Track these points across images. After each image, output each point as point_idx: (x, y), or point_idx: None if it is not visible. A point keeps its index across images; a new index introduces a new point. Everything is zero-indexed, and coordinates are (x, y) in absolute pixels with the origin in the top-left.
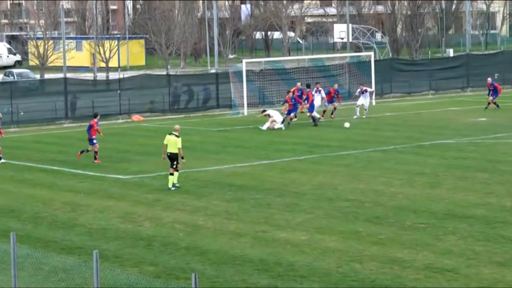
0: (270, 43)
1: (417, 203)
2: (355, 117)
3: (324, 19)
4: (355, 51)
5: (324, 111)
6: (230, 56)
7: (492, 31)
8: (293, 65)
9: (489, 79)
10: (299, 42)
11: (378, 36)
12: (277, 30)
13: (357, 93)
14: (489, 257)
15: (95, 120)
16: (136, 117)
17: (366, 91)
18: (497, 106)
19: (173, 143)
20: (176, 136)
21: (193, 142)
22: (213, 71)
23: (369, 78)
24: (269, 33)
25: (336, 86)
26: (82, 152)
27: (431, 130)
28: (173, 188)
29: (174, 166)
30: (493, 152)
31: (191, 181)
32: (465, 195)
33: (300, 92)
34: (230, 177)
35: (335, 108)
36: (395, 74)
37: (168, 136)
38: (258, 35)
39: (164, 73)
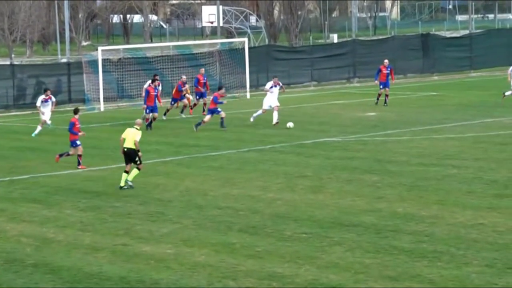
0: (130, 28)
1: (298, 210)
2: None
3: (191, 1)
4: (227, 37)
5: (185, 106)
6: (84, 43)
7: (381, 14)
8: (156, 53)
9: (386, 61)
10: (162, 26)
11: (253, 19)
12: (137, 13)
13: (267, 88)
14: (380, 271)
15: (76, 117)
16: None
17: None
18: (385, 101)
19: (131, 137)
20: (137, 129)
21: (42, 142)
22: (64, 60)
23: (243, 67)
24: (128, 16)
25: (184, 78)
26: (61, 155)
27: (314, 126)
28: (126, 187)
29: (138, 163)
30: (382, 151)
31: (40, 187)
32: (352, 200)
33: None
34: (85, 182)
35: (195, 104)
36: (272, 63)
37: (128, 129)
38: (116, 18)
39: (8, 62)
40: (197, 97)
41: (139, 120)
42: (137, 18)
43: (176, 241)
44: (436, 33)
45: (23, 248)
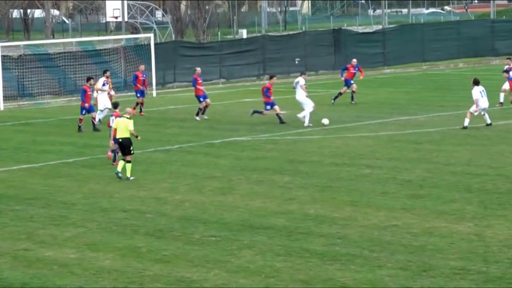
0: (31, 23)
1: (207, 213)
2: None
3: None
4: (132, 33)
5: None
6: None
7: (292, 9)
8: (58, 49)
9: (354, 60)
10: (65, 22)
11: (159, 14)
12: (38, 8)
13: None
14: (291, 275)
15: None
16: None
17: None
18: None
19: (123, 127)
20: (128, 118)
21: None
22: None
23: (149, 64)
24: (28, 11)
25: (199, 70)
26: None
27: (223, 125)
28: (131, 178)
29: (132, 153)
30: (294, 150)
31: None
32: (263, 202)
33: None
34: None
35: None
36: (179, 59)
37: (118, 119)
38: (16, 13)
39: None
40: (137, 95)
41: (128, 109)
42: (38, 13)
43: (80, 245)
44: (348, 28)
45: None
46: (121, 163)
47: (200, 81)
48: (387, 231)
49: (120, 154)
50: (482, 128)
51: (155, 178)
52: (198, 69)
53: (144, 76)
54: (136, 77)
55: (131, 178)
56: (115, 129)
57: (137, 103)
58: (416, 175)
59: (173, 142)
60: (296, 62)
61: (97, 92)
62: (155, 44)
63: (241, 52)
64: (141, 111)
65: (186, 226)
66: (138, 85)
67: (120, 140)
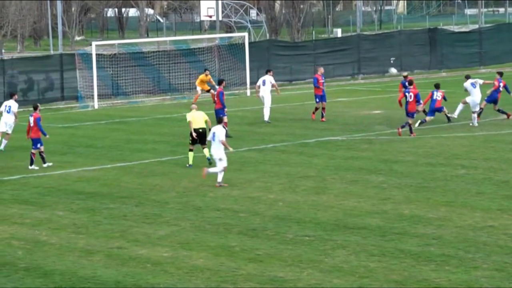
0: (125, 22)
1: (300, 212)
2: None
3: None
4: (226, 32)
5: None
6: (77, 38)
7: (387, 8)
8: (152, 48)
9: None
10: (159, 21)
11: (253, 13)
12: (133, 7)
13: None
14: (385, 275)
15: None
16: None
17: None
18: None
19: (199, 118)
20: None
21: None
22: (55, 53)
23: (243, 63)
24: (123, 10)
25: (322, 69)
26: None
27: (317, 125)
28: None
29: (205, 143)
30: (388, 150)
31: (31, 188)
32: (357, 202)
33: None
34: (78, 183)
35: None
36: (273, 58)
37: (190, 113)
38: (111, 12)
39: None
40: (317, 100)
41: (194, 105)
42: (132, 12)
43: (174, 244)
44: (444, 27)
45: (14, 251)
46: (191, 155)
47: (322, 81)
48: (483, 232)
49: None
50: None
51: (249, 177)
52: (321, 69)
53: (323, 79)
54: (317, 80)
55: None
56: (190, 121)
57: (316, 108)
58: None
59: (267, 141)
60: (391, 61)
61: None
62: (250, 43)
63: (335, 51)
64: (322, 116)
65: (279, 226)
66: (320, 87)
67: (200, 130)
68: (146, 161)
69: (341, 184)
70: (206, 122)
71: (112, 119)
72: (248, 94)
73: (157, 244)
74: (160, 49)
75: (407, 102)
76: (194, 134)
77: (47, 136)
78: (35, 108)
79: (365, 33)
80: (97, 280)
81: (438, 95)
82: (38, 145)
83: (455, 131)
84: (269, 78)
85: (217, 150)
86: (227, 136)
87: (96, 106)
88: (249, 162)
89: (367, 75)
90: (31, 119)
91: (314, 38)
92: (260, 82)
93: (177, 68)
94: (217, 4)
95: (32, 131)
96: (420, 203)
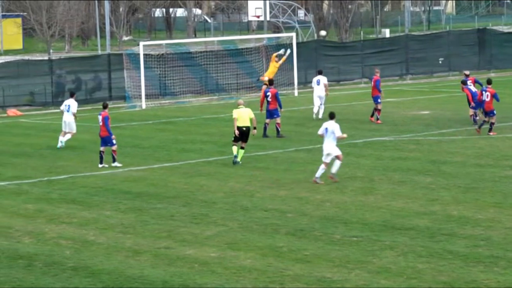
0: (173, 22)
1: (348, 213)
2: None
3: None
4: (274, 32)
5: None
6: (125, 38)
7: (435, 8)
8: (199, 48)
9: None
10: (207, 21)
11: (301, 14)
12: (180, 7)
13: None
14: (434, 276)
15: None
16: (12, 112)
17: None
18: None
19: (245, 115)
20: (245, 107)
21: (81, 141)
22: (104, 53)
23: (291, 64)
24: (171, 10)
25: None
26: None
27: (365, 125)
28: (240, 162)
29: (246, 141)
30: (437, 151)
31: (79, 188)
32: (405, 202)
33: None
34: (126, 183)
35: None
36: (321, 59)
37: (236, 110)
38: (158, 12)
39: (46, 58)
40: (378, 101)
41: (240, 101)
42: (180, 12)
43: (221, 244)
44: (493, 28)
45: (62, 250)
46: (235, 148)
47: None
48: None
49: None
50: None
51: (296, 177)
52: (378, 70)
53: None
54: (379, 82)
55: (240, 162)
56: (236, 118)
57: (376, 109)
58: None
59: (314, 141)
60: (440, 62)
61: None
62: (297, 43)
63: (384, 52)
64: (377, 119)
65: (327, 226)
66: (380, 88)
67: (244, 128)
68: (193, 161)
69: (388, 185)
70: (251, 120)
71: (159, 119)
72: (296, 94)
73: (204, 244)
74: (208, 49)
75: (483, 101)
76: (236, 132)
77: (113, 136)
78: (105, 107)
79: (413, 33)
80: (144, 280)
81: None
82: (109, 144)
83: (504, 132)
84: (322, 79)
85: (330, 144)
86: (279, 136)
87: (143, 106)
88: (296, 162)
89: (415, 76)
90: (100, 118)
91: (362, 39)
92: (314, 82)
93: (224, 68)
94: (264, 4)
95: (101, 130)
96: (469, 204)
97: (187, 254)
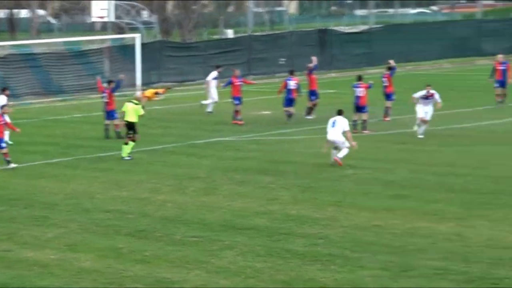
0: (16, 24)
1: (189, 213)
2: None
3: None
4: (118, 33)
5: None
6: None
7: (279, 9)
8: (43, 49)
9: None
10: (50, 22)
11: (145, 14)
12: (24, 8)
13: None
14: (272, 275)
15: None
16: None
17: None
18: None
19: (131, 111)
20: (135, 103)
21: None
22: None
23: (134, 64)
24: (14, 11)
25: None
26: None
27: (207, 126)
28: (127, 158)
29: (131, 136)
30: (277, 151)
31: None
32: (245, 202)
33: None
34: None
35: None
36: (165, 59)
37: (127, 103)
38: (1, 13)
39: None
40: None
41: (139, 94)
42: (24, 13)
43: (61, 246)
44: (335, 28)
45: None
46: (130, 145)
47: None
48: (369, 232)
49: None
50: (466, 129)
51: (138, 178)
52: (237, 71)
53: (241, 80)
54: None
55: (128, 157)
56: (124, 112)
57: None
58: (399, 175)
59: (157, 142)
60: (281, 62)
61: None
62: (141, 44)
63: (227, 52)
64: (235, 119)
65: (168, 227)
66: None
67: (127, 122)
68: (36, 163)
69: (229, 185)
70: (139, 117)
71: None
72: (139, 94)
73: (45, 247)
74: (51, 50)
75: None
76: (122, 122)
77: None
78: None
79: (256, 34)
80: None
81: (291, 84)
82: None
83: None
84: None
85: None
86: (119, 137)
87: None
88: (139, 164)
89: (258, 76)
90: None
91: (205, 39)
92: (210, 77)
93: (67, 69)
94: (109, 5)
95: None
96: (307, 203)
97: (27, 256)
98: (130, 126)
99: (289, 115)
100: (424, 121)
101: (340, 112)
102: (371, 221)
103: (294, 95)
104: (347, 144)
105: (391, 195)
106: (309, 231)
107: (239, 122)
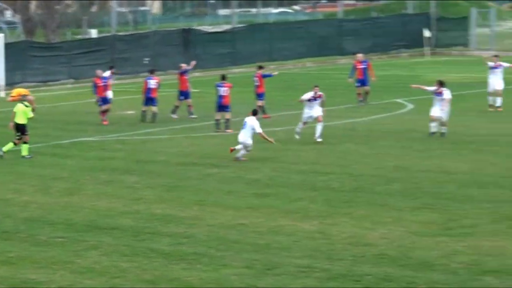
0: None
1: (53, 214)
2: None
3: None
4: None
5: None
6: None
7: (142, 8)
8: None
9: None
10: None
11: (9, 14)
12: None
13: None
14: (137, 275)
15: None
16: None
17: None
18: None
19: (21, 113)
20: (26, 106)
21: None
22: None
23: None
24: None
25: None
26: None
27: (71, 126)
28: (28, 156)
29: (18, 138)
30: (142, 150)
31: None
32: (110, 202)
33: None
34: None
35: None
36: (29, 60)
37: (18, 105)
38: None
39: None
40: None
41: (30, 97)
42: None
43: None
44: (198, 28)
45: None
46: (24, 147)
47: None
48: (234, 230)
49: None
50: (329, 127)
51: (1, 179)
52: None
53: (105, 80)
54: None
55: (28, 156)
56: (15, 113)
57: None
58: (263, 174)
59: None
60: (145, 62)
61: None
62: (6, 44)
63: (91, 52)
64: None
65: (32, 228)
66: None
67: (16, 123)
68: None
69: (94, 185)
70: (28, 119)
71: None
72: (3, 95)
73: None
74: None
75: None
76: (10, 124)
77: None
78: None
79: (120, 33)
80: None
81: (152, 83)
82: None
83: (206, 131)
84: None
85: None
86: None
87: None
88: (2, 164)
89: (122, 75)
90: None
91: (69, 39)
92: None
93: None
94: None
95: None
96: (172, 202)
97: None
98: (19, 128)
99: (154, 115)
100: (319, 120)
101: (254, 113)
102: (235, 219)
103: (154, 94)
104: (250, 148)
105: (255, 194)
106: (175, 230)
107: (105, 122)
